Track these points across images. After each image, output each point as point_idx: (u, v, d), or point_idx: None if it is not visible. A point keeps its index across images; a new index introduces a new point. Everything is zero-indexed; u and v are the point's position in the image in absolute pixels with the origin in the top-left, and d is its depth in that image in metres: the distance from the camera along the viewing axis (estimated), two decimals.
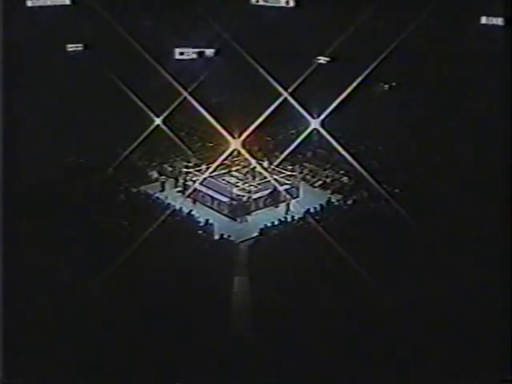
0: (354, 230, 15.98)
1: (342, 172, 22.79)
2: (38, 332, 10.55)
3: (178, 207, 19.05)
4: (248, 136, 18.97)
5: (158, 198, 20.16)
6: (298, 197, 21.32)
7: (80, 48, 25.91)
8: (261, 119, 18.30)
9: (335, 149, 18.97)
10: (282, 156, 21.59)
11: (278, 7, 24.29)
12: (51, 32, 22.59)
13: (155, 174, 23.11)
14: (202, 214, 19.24)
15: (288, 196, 20.76)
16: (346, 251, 13.43)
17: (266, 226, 17.96)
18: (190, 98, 20.28)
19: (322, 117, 18.58)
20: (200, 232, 17.67)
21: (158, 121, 20.30)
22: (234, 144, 19.44)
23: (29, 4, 22.68)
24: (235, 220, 19.75)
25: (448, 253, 13.05)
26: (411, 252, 13.72)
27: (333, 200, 20.32)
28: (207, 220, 18.35)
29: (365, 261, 12.96)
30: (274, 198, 20.77)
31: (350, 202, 20.39)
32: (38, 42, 21.85)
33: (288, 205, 20.04)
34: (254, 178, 21.98)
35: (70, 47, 25.66)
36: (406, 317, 11.10)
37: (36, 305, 11.22)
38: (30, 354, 10.27)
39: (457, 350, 10.34)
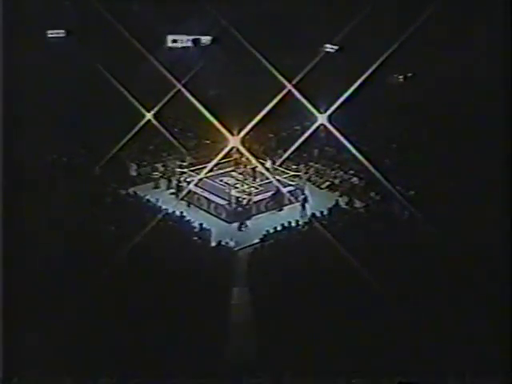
0: (365, 235, 16.12)
1: (351, 172, 22.98)
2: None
3: (170, 211, 19.26)
4: (248, 133, 19.05)
5: (148, 200, 20.38)
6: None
7: (62, 34, 26.07)
8: (262, 114, 18.40)
9: (344, 146, 19.03)
10: (286, 154, 21.70)
11: None
12: (29, 17, 22.70)
13: (133, 172, 23.32)
14: (197, 218, 19.45)
15: (292, 198, 20.96)
16: (355, 259, 13.54)
17: (267, 231, 18.17)
18: (184, 90, 20.41)
19: (330, 111, 18.67)
20: (195, 238, 17.87)
21: (148, 116, 20.41)
22: (233, 141, 19.55)
23: None
24: (235, 225, 19.94)
25: (467, 261, 13.15)
26: (427, 260, 13.80)
27: (341, 203, 20.53)
28: (203, 225, 18.56)
29: (377, 270, 13.07)
30: (276, 201, 20.95)
31: (360, 205, 20.60)
32: (13, 28, 21.95)
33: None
34: (254, 178, 22.20)
35: (51, 33, 25.81)
36: (412, 320, 11.40)
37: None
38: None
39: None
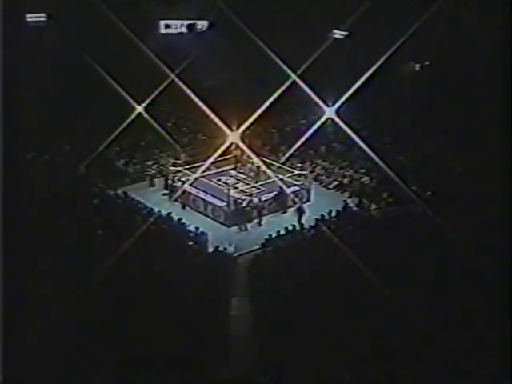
0: (377, 240, 16.18)
1: (361, 171, 23.09)
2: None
3: (164, 213, 19.37)
4: (249, 127, 19.20)
5: (139, 201, 20.43)
6: (308, 201, 21.64)
7: (42, 19, 26.19)
8: (264, 107, 18.53)
9: (354, 142, 19.18)
10: (290, 151, 21.86)
11: None
12: None
13: (123, 171, 23.50)
14: (192, 221, 19.53)
15: (297, 199, 21.09)
16: (366, 266, 13.61)
17: (270, 236, 18.26)
18: (178, 80, 20.57)
19: (339, 104, 18.80)
20: (191, 243, 17.95)
21: (139, 109, 20.59)
22: (232, 137, 19.69)
23: None
24: (235, 229, 20.14)
25: (490, 270, 13.20)
26: (446, 267, 13.85)
27: (351, 204, 20.62)
28: (199, 229, 18.69)
29: (390, 278, 13.15)
30: (280, 203, 21.08)
31: (371, 206, 20.74)
32: None
33: (300, 211, 20.31)
34: (255, 178, 22.33)
35: (30, 17, 25.93)
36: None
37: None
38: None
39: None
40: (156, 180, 23.24)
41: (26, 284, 12.67)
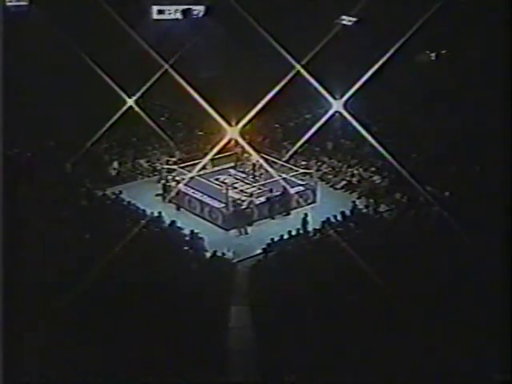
0: (388, 245, 16.25)
1: (372, 169, 23.19)
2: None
3: (156, 215, 19.48)
4: (249, 122, 19.25)
5: (130, 203, 20.52)
6: (314, 202, 21.72)
7: (24, 3, 26.28)
8: (266, 100, 18.59)
9: (363, 139, 19.24)
10: (294, 148, 21.94)
11: None
12: None
13: (112, 169, 23.57)
14: (188, 224, 19.66)
15: (301, 200, 21.17)
16: (376, 273, 13.67)
17: (272, 240, 18.32)
18: (172, 71, 20.63)
19: (347, 96, 18.86)
20: (186, 248, 18.06)
21: (130, 102, 20.63)
22: (231, 133, 19.75)
23: None
24: (234, 233, 20.18)
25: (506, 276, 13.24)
26: (464, 276, 13.89)
27: (360, 206, 20.71)
28: (195, 232, 18.79)
29: (403, 286, 13.21)
30: (283, 204, 21.16)
31: (382, 208, 20.80)
32: None
33: (305, 214, 20.27)
34: (256, 177, 22.41)
35: (10, 2, 26.01)
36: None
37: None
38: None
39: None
40: (144, 180, 23.38)
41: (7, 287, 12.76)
